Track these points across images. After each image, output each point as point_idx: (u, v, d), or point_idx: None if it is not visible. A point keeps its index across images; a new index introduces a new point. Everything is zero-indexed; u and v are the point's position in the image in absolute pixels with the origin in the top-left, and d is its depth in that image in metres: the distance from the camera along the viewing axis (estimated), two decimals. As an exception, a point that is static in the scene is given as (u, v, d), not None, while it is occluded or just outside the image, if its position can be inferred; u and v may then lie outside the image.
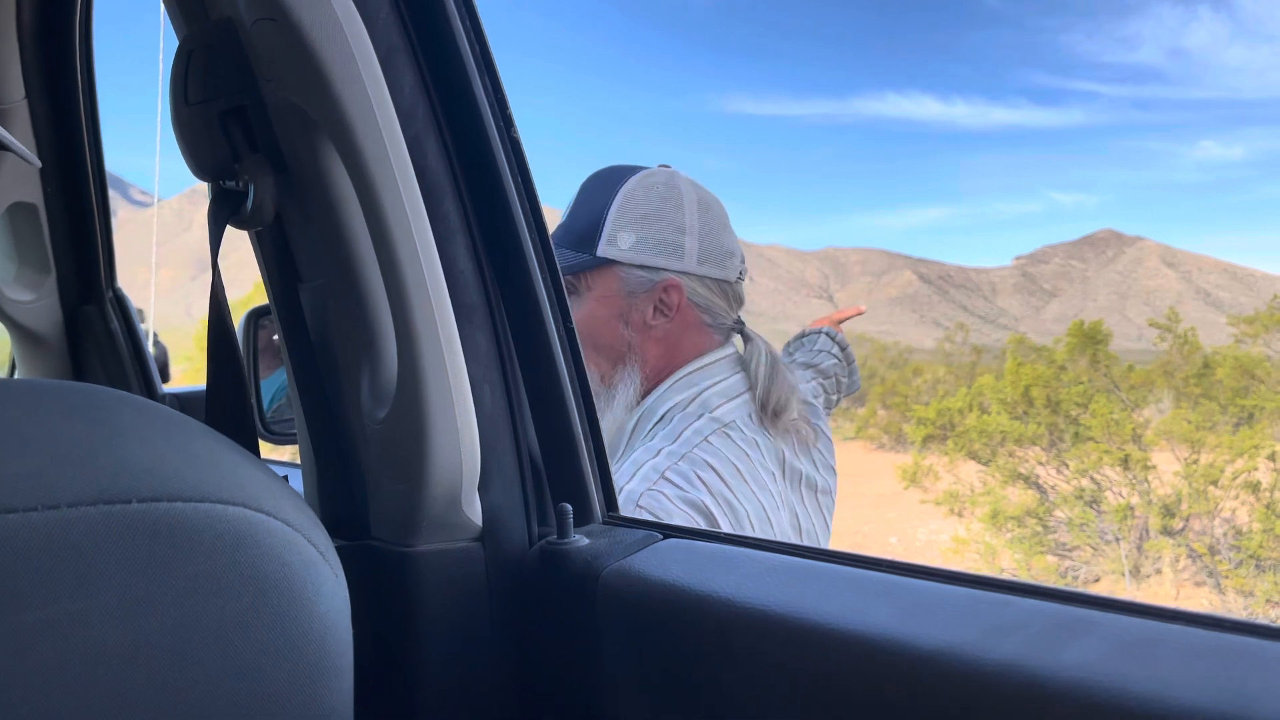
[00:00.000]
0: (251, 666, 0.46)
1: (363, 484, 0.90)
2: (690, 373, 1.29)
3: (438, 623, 0.84)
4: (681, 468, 1.18)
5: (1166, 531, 8.61)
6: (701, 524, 1.15)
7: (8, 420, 0.48)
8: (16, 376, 1.87)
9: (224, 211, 0.83)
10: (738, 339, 1.38)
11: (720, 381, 1.30)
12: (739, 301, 1.35)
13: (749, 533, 1.20)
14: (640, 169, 1.32)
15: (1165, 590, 8.70)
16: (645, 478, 1.16)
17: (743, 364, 1.33)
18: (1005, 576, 0.61)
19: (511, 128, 0.87)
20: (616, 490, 1.10)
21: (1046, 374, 9.20)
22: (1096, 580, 9.13)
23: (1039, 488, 9.19)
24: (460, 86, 0.83)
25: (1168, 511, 8.58)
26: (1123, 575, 8.89)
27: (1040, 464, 9.27)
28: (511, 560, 0.87)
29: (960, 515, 9.35)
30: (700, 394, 1.28)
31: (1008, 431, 9.03)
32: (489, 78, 0.85)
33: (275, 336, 2.00)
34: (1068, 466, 9.05)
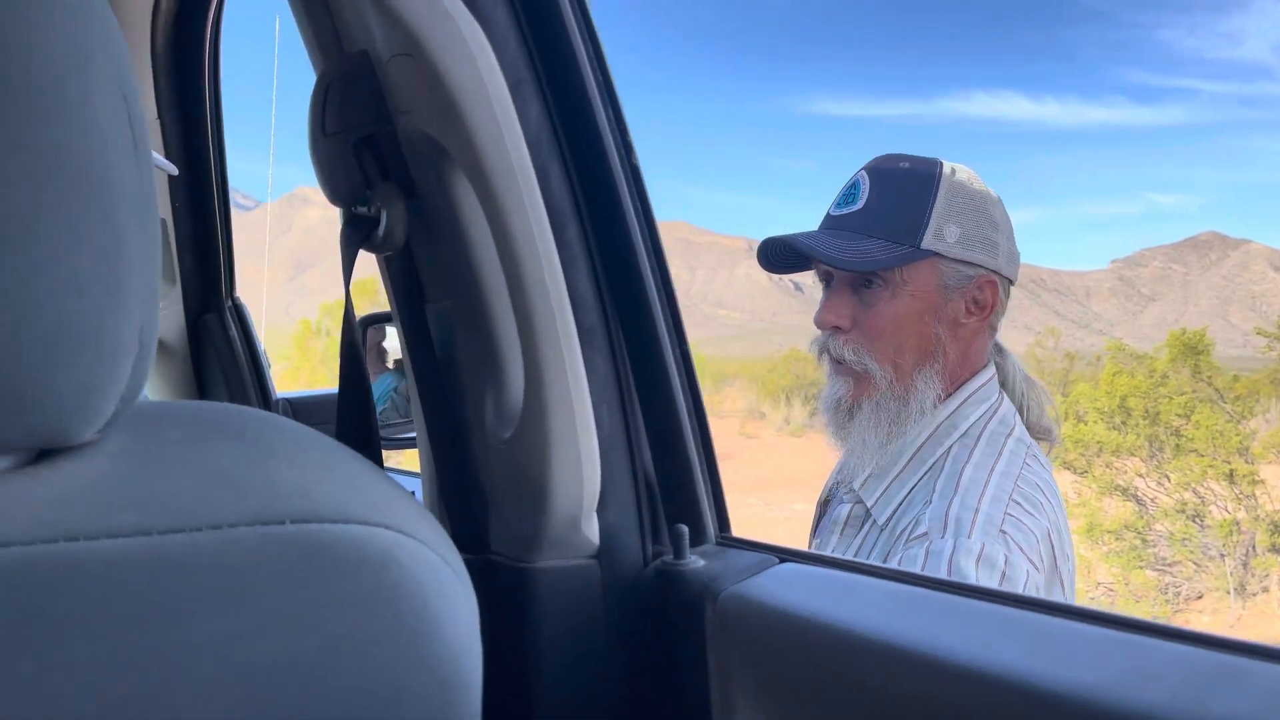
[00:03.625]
0: (391, 683, 0.48)
1: (483, 500, 0.92)
2: (979, 388, 1.25)
3: (555, 639, 0.86)
4: (1023, 490, 1.15)
5: (1275, 549, 8.23)
6: (1044, 552, 1.11)
7: (170, 442, 0.51)
8: (142, 382, 1.95)
9: (357, 236, 0.87)
10: None
11: (1004, 400, 1.26)
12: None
13: (1069, 563, 1.17)
14: (934, 160, 1.27)
15: (1272, 609, 8.33)
16: (996, 499, 1.12)
17: (1000, 380, 1.29)
18: (1142, 617, 0.60)
19: (631, 154, 0.88)
20: (971, 510, 1.10)
21: (1144, 384, 8.87)
22: (1199, 597, 8.79)
23: (1138, 500, 8.88)
24: (583, 115, 0.85)
25: (1277, 528, 8.20)
26: (1227, 593, 8.53)
27: (1139, 476, 8.95)
28: (627, 579, 0.88)
29: (1054, 527, 9.09)
30: (995, 410, 1.24)
31: (1104, 442, 8.73)
32: (610, 105, 0.87)
33: (383, 343, 2.06)
34: (1169, 479, 8.72)
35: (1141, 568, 8.65)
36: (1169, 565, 8.84)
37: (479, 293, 0.85)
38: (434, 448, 0.95)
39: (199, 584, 0.44)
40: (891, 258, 1.19)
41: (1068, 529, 1.20)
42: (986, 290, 1.23)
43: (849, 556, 1.23)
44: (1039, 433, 1.28)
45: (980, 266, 1.22)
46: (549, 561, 0.86)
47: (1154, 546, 8.82)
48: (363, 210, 0.88)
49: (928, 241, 1.20)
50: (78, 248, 0.43)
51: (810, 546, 1.37)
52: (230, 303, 1.91)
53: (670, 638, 0.84)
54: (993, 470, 1.16)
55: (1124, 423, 8.86)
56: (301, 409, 2.04)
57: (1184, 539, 8.52)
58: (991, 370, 1.27)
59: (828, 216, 1.28)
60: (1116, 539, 8.63)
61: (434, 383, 0.94)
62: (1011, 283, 1.29)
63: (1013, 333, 1.31)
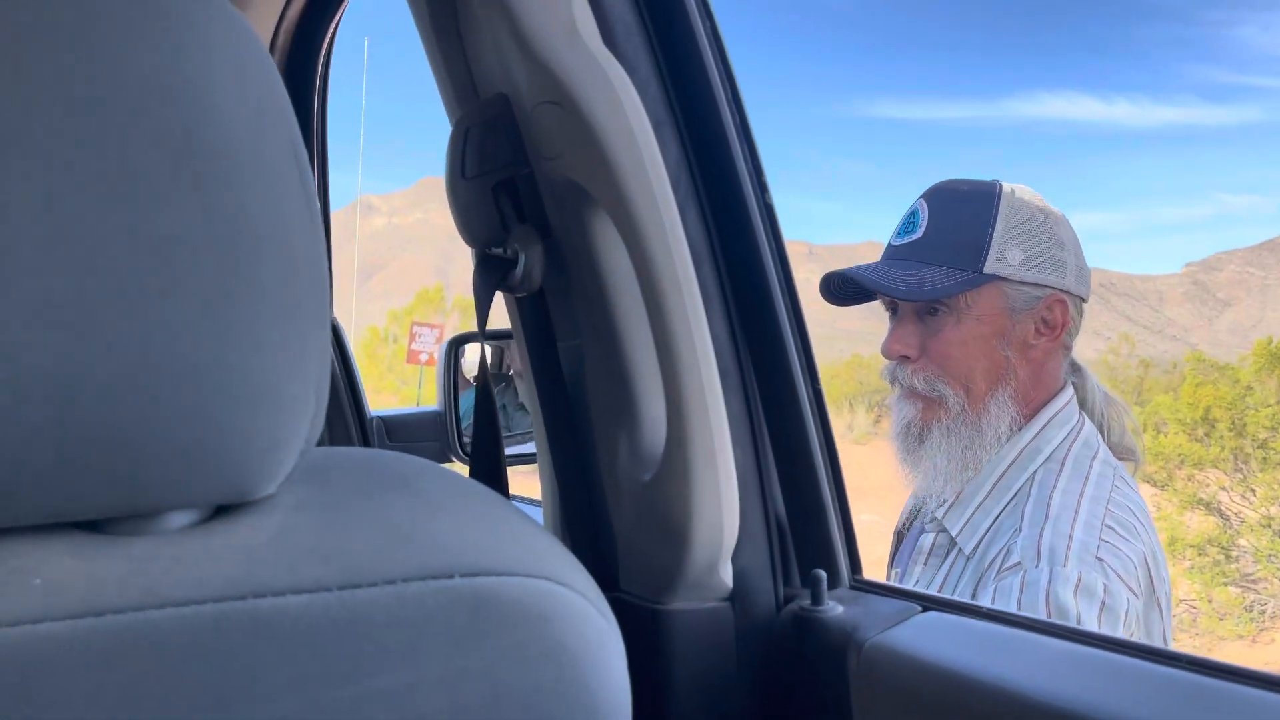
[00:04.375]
0: None
1: (611, 538, 0.92)
2: (1059, 410, 1.23)
3: (688, 682, 0.85)
4: (1115, 514, 1.13)
5: (1368, 567, 7.90)
6: (1141, 578, 1.09)
7: (342, 494, 0.52)
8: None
9: (493, 277, 0.87)
10: None
11: (1085, 422, 1.24)
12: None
13: (1164, 587, 1.15)
14: (994, 182, 1.26)
15: (1364, 631, 8.00)
16: (1088, 525, 1.11)
17: (1078, 400, 1.26)
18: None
19: (766, 193, 0.87)
20: (1064, 537, 1.09)
21: (1229, 395, 8.60)
22: (1286, 616, 8.48)
23: (1221, 514, 8.60)
24: (720, 156, 0.84)
25: (1370, 546, 7.88)
26: (1316, 612, 8.21)
27: (1222, 489, 8.67)
28: (760, 623, 0.87)
29: (1132, 541, 8.83)
30: (1078, 433, 1.22)
31: (1186, 454, 8.48)
32: (746, 145, 0.86)
33: (462, 360, 2.07)
34: (1254, 493, 8.43)
35: (1225, 584, 8.38)
36: (1254, 582, 8.54)
37: (615, 333, 0.85)
38: (561, 485, 0.95)
39: (375, 640, 0.45)
40: (953, 284, 1.19)
41: (1162, 551, 1.18)
42: (1056, 310, 1.22)
43: (935, 586, 1.23)
44: (1122, 453, 1.26)
45: (1048, 286, 1.21)
46: (682, 604, 0.86)
47: (1237, 562, 8.54)
48: (497, 251, 0.88)
49: (990, 265, 1.19)
50: (260, 308, 0.43)
51: (889, 576, 1.37)
52: (328, 322, 1.94)
53: (809, 686, 0.83)
54: (1082, 495, 1.14)
55: (1207, 435, 8.60)
56: (395, 427, 2.07)
57: (1270, 555, 8.23)
58: (1070, 392, 1.25)
59: (889, 247, 1.28)
60: (1199, 554, 8.37)
61: (564, 420, 0.94)
62: (1084, 300, 1.26)
63: (1082, 338, 1.31)
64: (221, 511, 0.47)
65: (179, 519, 0.46)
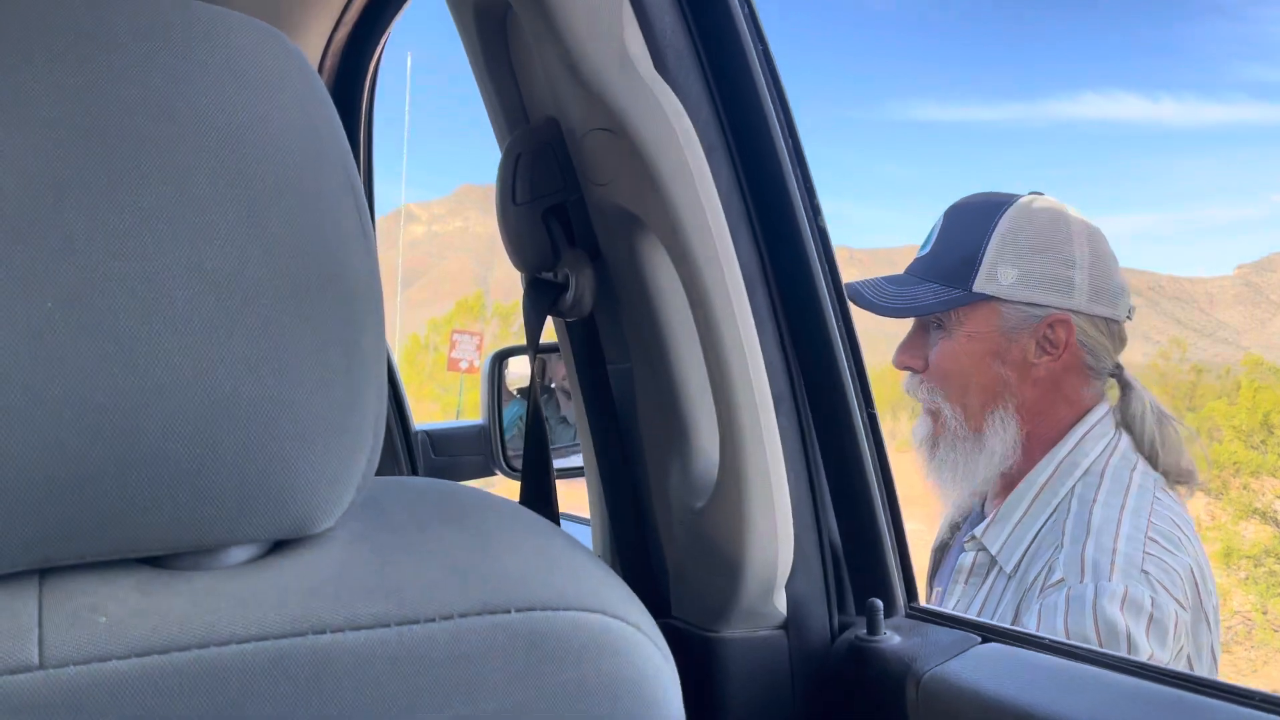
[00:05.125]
0: None
1: (663, 564, 0.91)
2: (1095, 424, 1.21)
3: (742, 711, 0.84)
4: (1159, 526, 1.11)
5: None
6: (1188, 591, 1.08)
7: (398, 527, 0.52)
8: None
9: (544, 301, 0.87)
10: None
11: (1122, 435, 1.22)
12: (1122, 342, 1.25)
13: (1212, 599, 1.13)
14: (1016, 197, 1.25)
15: None
16: (1131, 539, 1.09)
17: (1125, 419, 1.24)
18: None
19: (819, 216, 0.86)
20: (1108, 551, 1.08)
21: (1286, 401, 8.41)
22: (1346, 629, 8.24)
23: (1278, 524, 8.40)
24: (773, 181, 0.83)
25: None
26: (1378, 625, 7.98)
27: (1279, 498, 8.47)
28: (815, 652, 0.86)
29: (1185, 551, 8.66)
30: (1115, 446, 1.20)
31: (1242, 462, 8.30)
32: (799, 168, 0.85)
33: (507, 373, 2.07)
34: (1313, 502, 8.24)
35: (1282, 596, 8.19)
36: (1313, 594, 8.33)
37: (666, 357, 0.84)
38: (611, 510, 0.95)
39: (433, 675, 0.45)
40: (938, 303, 1.22)
41: (1208, 563, 1.17)
42: (1059, 330, 1.20)
43: (976, 606, 1.22)
44: (1178, 475, 1.22)
45: (1047, 306, 1.19)
46: (736, 632, 0.85)
47: (1295, 573, 8.34)
48: (547, 275, 0.88)
49: (980, 284, 1.20)
50: (322, 345, 0.43)
51: (930, 595, 1.36)
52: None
53: (866, 718, 0.81)
54: (1123, 508, 1.14)
55: (1264, 442, 8.41)
56: (439, 440, 2.08)
57: (1330, 566, 8.02)
58: (1105, 407, 1.24)
59: (913, 260, 1.32)
60: (1255, 565, 8.18)
61: (613, 444, 0.93)
62: (1111, 320, 1.23)
63: (1130, 341, 1.30)
64: (280, 545, 0.47)
65: (239, 554, 0.46)
